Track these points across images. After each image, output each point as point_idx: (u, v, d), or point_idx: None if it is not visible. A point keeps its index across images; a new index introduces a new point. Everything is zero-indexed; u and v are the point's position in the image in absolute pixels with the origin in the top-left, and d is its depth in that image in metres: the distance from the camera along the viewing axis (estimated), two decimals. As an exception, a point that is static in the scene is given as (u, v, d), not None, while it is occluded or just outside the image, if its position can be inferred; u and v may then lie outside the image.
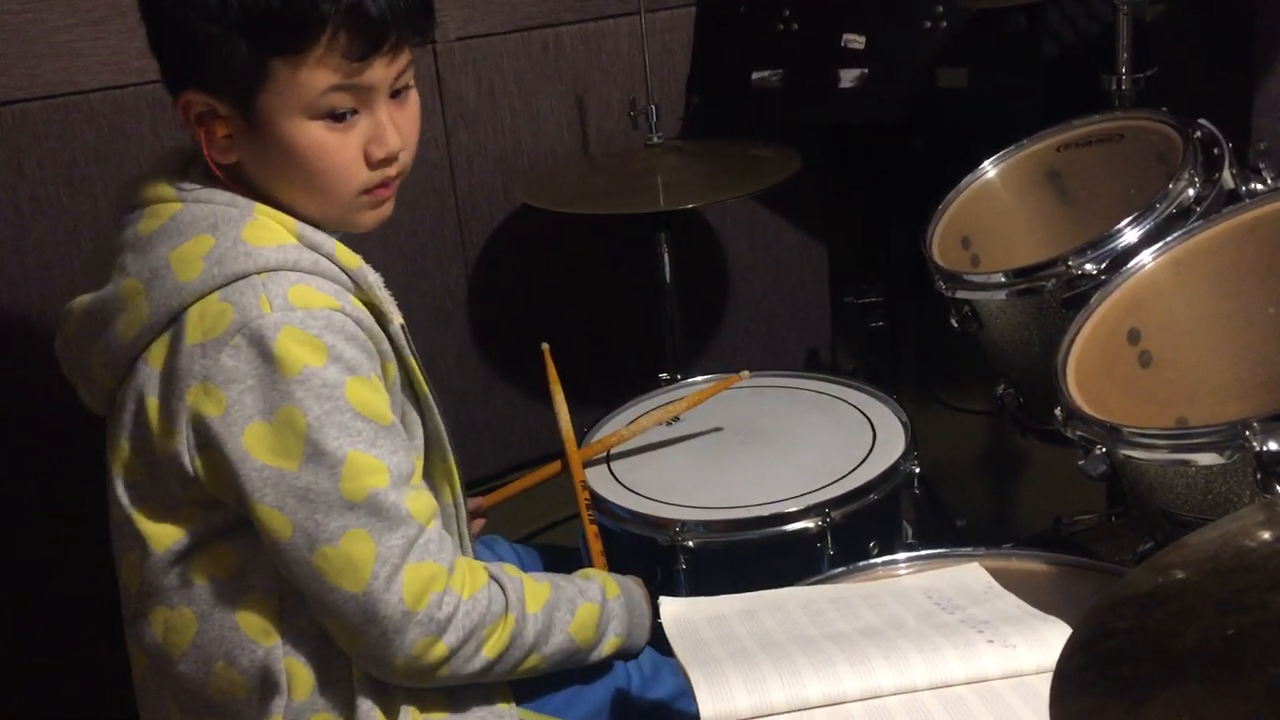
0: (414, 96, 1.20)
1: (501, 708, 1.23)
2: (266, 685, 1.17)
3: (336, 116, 1.12)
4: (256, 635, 1.17)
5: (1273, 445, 1.01)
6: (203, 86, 1.11)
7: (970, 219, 1.65)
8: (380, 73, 1.12)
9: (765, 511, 1.45)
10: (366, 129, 1.14)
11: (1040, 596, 1.11)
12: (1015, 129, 1.69)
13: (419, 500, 1.14)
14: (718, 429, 1.68)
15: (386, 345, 1.17)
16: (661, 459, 1.63)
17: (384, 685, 1.19)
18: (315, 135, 1.12)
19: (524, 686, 1.26)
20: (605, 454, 1.65)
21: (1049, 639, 1.00)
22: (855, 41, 2.14)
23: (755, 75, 2.22)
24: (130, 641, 1.25)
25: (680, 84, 2.31)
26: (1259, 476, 1.02)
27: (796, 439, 1.63)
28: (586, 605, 1.25)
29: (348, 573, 1.09)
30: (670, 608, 1.14)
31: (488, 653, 1.16)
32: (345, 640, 1.14)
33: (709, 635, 1.08)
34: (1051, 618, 1.05)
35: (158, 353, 1.12)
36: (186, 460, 1.11)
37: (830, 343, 2.66)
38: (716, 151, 2.12)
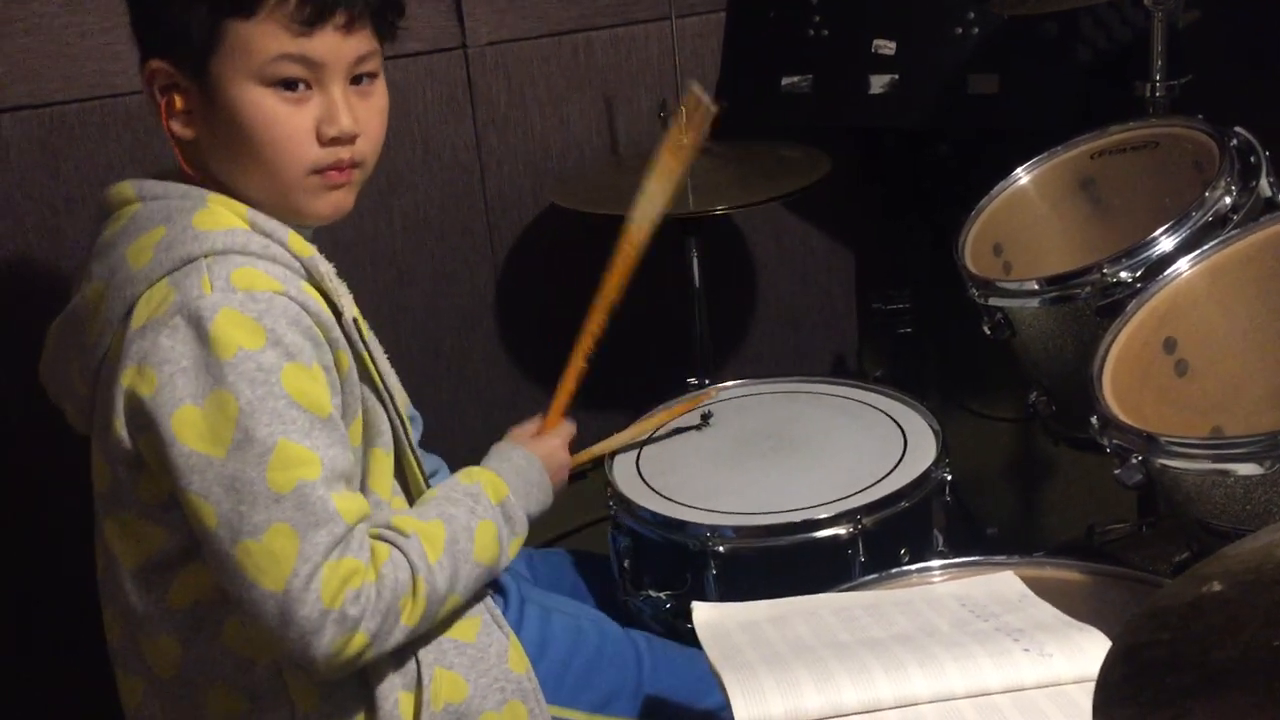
0: (380, 91, 1.20)
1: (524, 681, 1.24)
2: (270, 701, 1.16)
3: (288, 85, 1.12)
4: (250, 653, 1.15)
5: (1312, 456, 1.01)
6: (164, 53, 1.13)
7: (1003, 226, 1.64)
8: (332, 47, 1.12)
9: (796, 518, 1.45)
10: (319, 106, 1.14)
11: (1075, 605, 1.11)
12: (1048, 136, 1.69)
13: (349, 500, 1.10)
14: (747, 434, 1.68)
15: (339, 333, 1.14)
16: (691, 464, 1.63)
17: (403, 664, 1.17)
18: (265, 102, 1.12)
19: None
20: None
21: (1086, 648, 1.00)
22: (886, 47, 2.14)
23: (785, 80, 2.21)
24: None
25: (710, 89, 2.31)
26: (1298, 487, 1.01)
27: (827, 445, 1.63)
28: (483, 525, 1.21)
29: (269, 569, 1.05)
30: (702, 613, 1.14)
31: (407, 622, 1.12)
32: (267, 641, 1.11)
33: (742, 640, 1.08)
34: (1088, 627, 1.04)
35: (115, 348, 1.11)
36: (129, 445, 1.10)
37: (857, 348, 2.65)
38: (745, 155, 2.12)
